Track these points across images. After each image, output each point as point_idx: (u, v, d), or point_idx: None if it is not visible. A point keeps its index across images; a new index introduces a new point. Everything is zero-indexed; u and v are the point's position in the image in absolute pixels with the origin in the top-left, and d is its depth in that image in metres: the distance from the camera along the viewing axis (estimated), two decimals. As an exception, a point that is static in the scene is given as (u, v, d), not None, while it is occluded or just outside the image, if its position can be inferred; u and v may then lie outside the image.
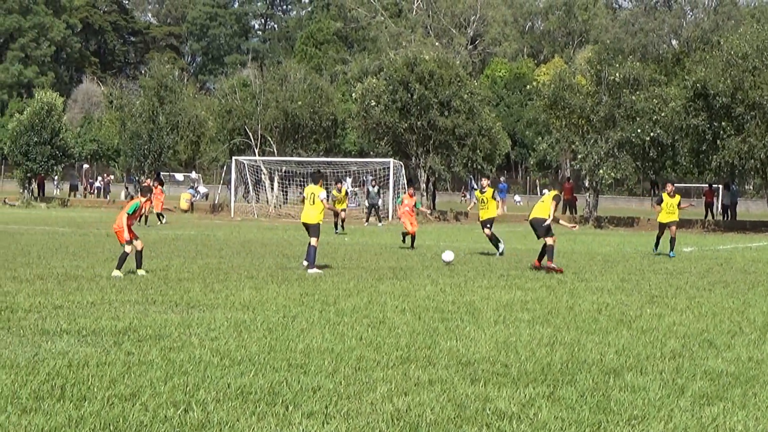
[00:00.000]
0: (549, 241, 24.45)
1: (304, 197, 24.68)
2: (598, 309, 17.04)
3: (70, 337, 12.73)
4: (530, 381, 10.44)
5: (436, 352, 12.07)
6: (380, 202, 62.60)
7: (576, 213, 65.32)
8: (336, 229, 43.83)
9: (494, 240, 30.82)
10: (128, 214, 21.74)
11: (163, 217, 49.49)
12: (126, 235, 21.56)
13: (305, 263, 23.84)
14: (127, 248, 21.60)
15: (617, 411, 9.21)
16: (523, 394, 9.80)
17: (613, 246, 38.75)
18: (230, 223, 53.82)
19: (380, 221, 56.86)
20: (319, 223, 24.23)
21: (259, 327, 13.87)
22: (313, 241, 23.81)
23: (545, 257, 24.75)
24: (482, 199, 31.31)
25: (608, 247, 38.08)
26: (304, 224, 24.47)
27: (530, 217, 25.32)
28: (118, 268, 21.25)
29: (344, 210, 45.33)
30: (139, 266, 21.90)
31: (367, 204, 59.34)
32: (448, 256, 26.17)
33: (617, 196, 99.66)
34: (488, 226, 30.96)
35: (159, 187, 52.37)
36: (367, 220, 56.51)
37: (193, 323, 14.06)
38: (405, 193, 34.75)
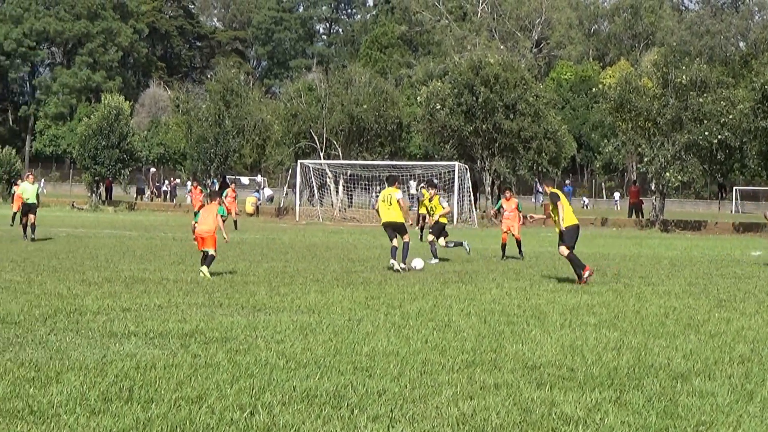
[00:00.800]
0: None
1: (378, 201, 24.73)
2: (665, 313, 16.89)
3: (138, 339, 12.82)
4: (596, 385, 10.37)
5: (502, 356, 12.02)
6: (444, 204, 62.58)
7: (642, 216, 64.85)
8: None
9: (455, 243, 30.58)
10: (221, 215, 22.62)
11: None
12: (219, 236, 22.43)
13: (399, 265, 24.01)
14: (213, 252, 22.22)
15: (684, 416, 9.12)
16: (589, 398, 9.73)
17: (679, 250, 38.44)
18: (295, 227, 54.05)
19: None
20: (404, 222, 24.31)
21: (324, 330, 13.89)
22: (405, 237, 24.07)
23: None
24: (429, 207, 30.45)
25: (675, 251, 37.78)
26: (390, 224, 24.43)
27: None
28: (208, 266, 21.83)
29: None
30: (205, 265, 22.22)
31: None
32: (417, 263, 25.79)
33: (684, 199, 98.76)
34: (432, 231, 29.92)
35: (224, 191, 52.49)
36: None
37: (259, 326, 14.11)
38: (502, 198, 32.90)
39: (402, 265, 24.27)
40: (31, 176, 38.31)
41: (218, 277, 21.72)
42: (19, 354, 11.52)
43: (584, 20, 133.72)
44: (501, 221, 33.01)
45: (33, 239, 34.55)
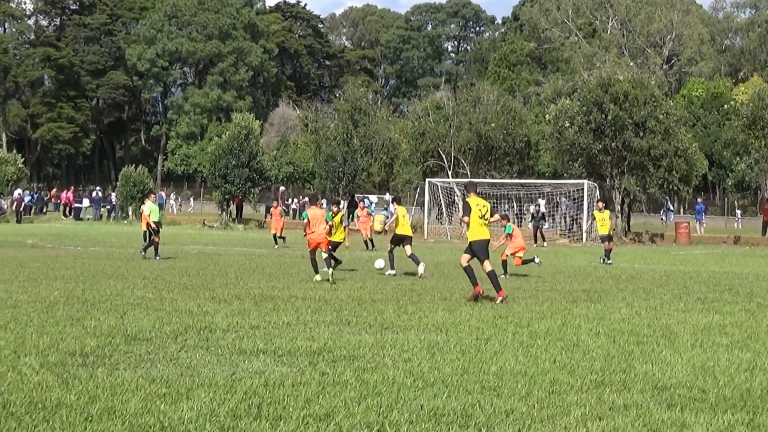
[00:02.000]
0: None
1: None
2: (800, 334, 16.55)
3: (267, 356, 12.93)
4: (729, 407, 10.19)
5: (631, 376, 11.88)
6: (561, 222, 62.56)
7: (777, 235, 63.61)
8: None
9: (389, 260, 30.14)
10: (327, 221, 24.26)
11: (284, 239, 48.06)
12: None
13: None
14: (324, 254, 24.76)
15: (821, 440, 8.92)
16: (721, 420, 9.56)
17: (816, 269, 37.60)
18: (423, 245, 54.05)
19: (544, 242, 55.84)
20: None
21: (452, 349, 13.87)
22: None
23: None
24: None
25: (811, 270, 36.96)
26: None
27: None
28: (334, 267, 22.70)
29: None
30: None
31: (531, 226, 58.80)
32: (378, 263, 27.83)
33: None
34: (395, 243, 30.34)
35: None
36: (535, 242, 55.54)
37: (386, 344, 14.14)
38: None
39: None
40: (153, 196, 38.86)
41: (345, 295, 21.82)
42: (151, 370, 11.71)
43: (716, 35, 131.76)
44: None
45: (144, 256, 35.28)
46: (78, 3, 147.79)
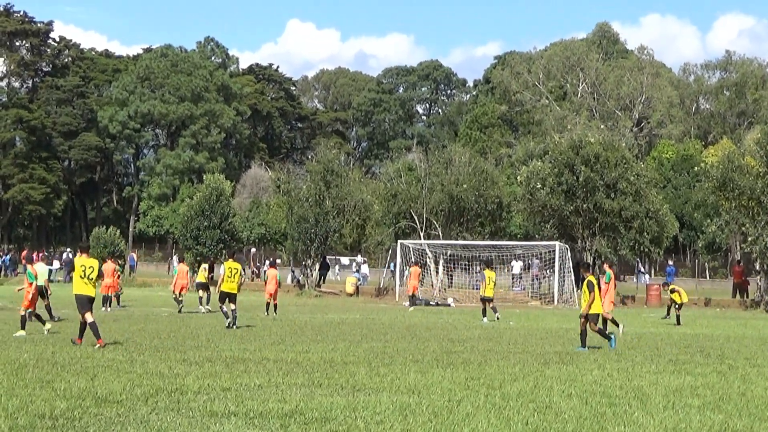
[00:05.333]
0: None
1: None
2: (771, 396, 16.59)
3: (238, 419, 12.88)
4: (701, 469, 10.19)
5: (604, 439, 11.88)
6: (537, 285, 62.84)
7: (747, 297, 63.79)
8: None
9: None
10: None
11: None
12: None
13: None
14: None
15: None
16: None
17: (786, 331, 37.74)
18: (395, 307, 54.05)
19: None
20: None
21: (424, 411, 13.85)
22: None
23: None
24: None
25: (782, 331, 37.09)
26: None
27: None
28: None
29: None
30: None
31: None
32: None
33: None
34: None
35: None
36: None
37: (359, 406, 14.11)
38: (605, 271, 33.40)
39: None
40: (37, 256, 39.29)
41: (317, 356, 21.77)
42: (121, 433, 11.64)
43: (686, 98, 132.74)
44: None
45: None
46: (51, 65, 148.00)
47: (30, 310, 28.80)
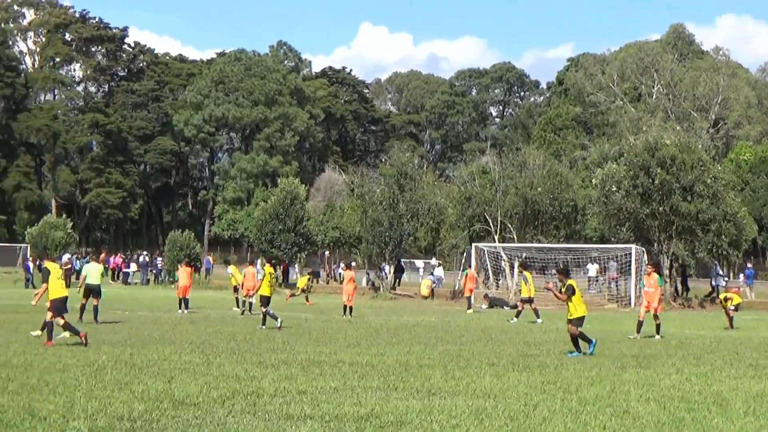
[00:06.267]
0: None
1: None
2: None
3: (314, 422, 12.90)
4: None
5: (683, 444, 11.75)
6: (613, 287, 62.53)
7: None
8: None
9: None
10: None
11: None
12: None
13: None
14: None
15: None
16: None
17: None
18: (473, 310, 53.86)
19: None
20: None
21: (500, 415, 13.79)
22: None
23: None
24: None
25: None
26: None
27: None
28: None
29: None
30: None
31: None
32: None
33: None
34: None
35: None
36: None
37: (434, 410, 14.08)
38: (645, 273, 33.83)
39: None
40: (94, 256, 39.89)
41: (392, 359, 21.76)
42: (199, 435, 11.70)
43: (764, 99, 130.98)
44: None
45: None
46: (126, 70, 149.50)
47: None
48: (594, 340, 25.43)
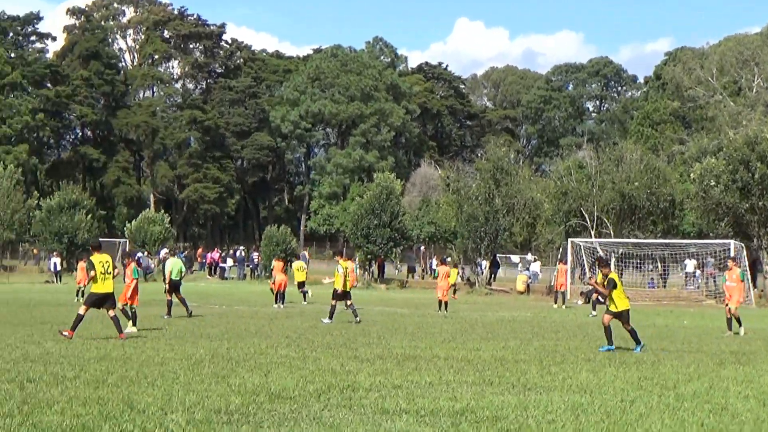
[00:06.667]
0: None
1: None
2: None
3: (409, 416, 12.91)
4: None
5: (783, 441, 11.59)
6: (711, 283, 61.86)
7: None
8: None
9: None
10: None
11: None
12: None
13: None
14: None
15: None
16: None
17: None
18: (565, 305, 53.61)
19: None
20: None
21: (596, 410, 13.70)
22: None
23: None
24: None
25: None
26: None
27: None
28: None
29: None
30: None
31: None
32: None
33: None
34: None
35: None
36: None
37: (529, 405, 14.03)
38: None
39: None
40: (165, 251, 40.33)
41: (487, 354, 21.72)
42: (294, 429, 11.78)
43: None
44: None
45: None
46: (224, 67, 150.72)
47: (127, 304, 28.96)
48: (642, 343, 24.80)
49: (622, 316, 24.34)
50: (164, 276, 38.21)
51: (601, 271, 25.28)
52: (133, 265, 30.61)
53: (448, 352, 22.12)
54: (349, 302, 34.52)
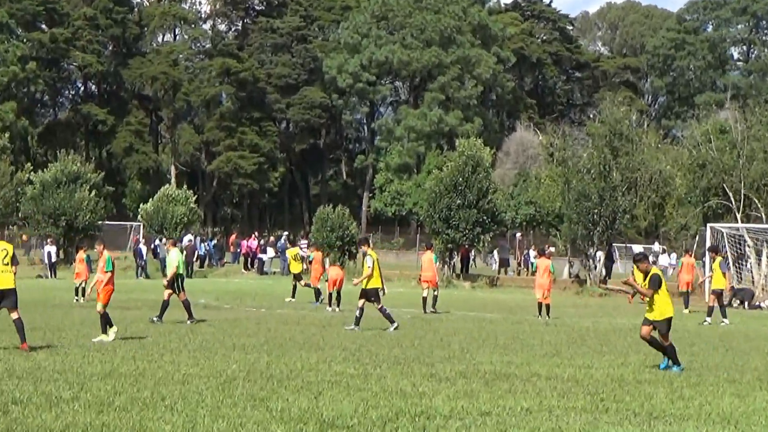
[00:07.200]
0: None
1: None
2: None
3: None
4: None
5: None
6: None
7: None
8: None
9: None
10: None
11: None
12: None
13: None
14: None
15: None
16: None
17: None
18: (704, 308, 53.28)
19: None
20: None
21: (744, 446, 13.59)
22: None
23: None
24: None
25: None
26: None
27: None
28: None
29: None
30: None
31: None
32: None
33: None
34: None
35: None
36: None
37: (656, 439, 13.93)
38: None
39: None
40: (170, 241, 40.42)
41: (601, 373, 21.62)
42: (353, 467, 11.76)
43: None
44: None
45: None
46: (264, 3, 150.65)
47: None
48: (682, 365, 24.07)
49: (662, 326, 23.69)
50: (164, 269, 38.50)
51: (638, 267, 24.65)
52: (106, 254, 29.84)
53: (551, 370, 22.07)
54: (378, 304, 34.79)
